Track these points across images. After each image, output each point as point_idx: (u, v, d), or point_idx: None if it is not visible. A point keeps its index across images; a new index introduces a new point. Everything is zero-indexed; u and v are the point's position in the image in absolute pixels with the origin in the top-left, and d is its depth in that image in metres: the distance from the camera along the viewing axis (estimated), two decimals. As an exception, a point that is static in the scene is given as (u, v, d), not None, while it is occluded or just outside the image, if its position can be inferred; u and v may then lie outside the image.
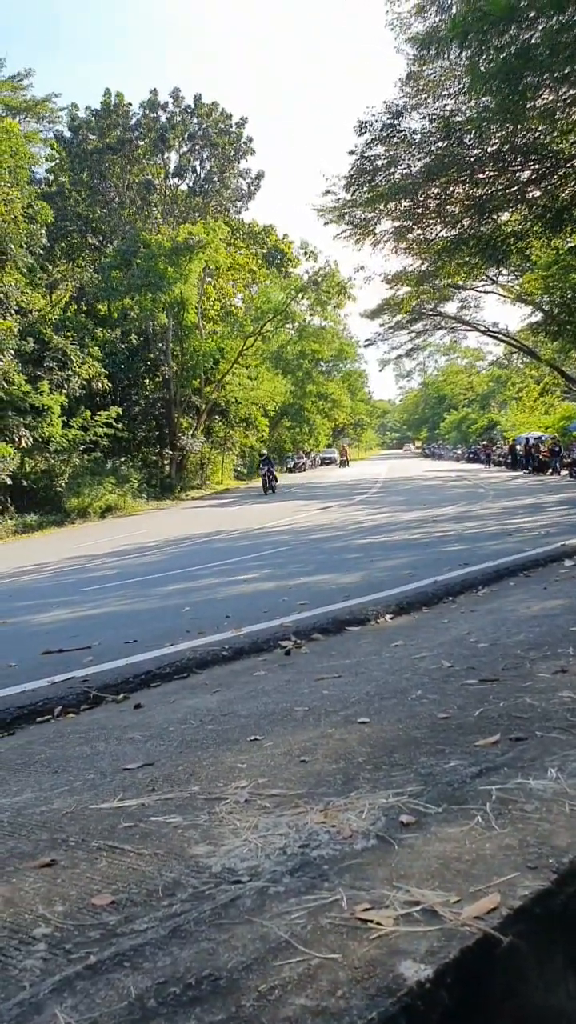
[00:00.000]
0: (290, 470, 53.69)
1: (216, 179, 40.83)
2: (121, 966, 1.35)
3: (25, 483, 25.23)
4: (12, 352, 23.72)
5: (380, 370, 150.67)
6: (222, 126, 40.03)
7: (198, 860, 1.73)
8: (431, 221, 27.56)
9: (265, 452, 35.50)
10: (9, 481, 23.55)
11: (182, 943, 1.40)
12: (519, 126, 20.37)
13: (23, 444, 23.88)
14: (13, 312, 24.48)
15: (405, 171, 26.12)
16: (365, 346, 61.59)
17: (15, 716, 3.33)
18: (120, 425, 28.54)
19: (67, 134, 37.42)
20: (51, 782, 2.43)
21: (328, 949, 1.35)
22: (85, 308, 33.08)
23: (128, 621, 6.04)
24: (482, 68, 17.92)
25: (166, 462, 35.49)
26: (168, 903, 1.55)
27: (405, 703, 2.92)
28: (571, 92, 18.53)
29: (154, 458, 35.73)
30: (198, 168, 40.45)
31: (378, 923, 1.41)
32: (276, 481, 30.07)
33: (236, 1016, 1.20)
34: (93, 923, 1.51)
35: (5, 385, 23.00)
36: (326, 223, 31.28)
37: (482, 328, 47.33)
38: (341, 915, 1.45)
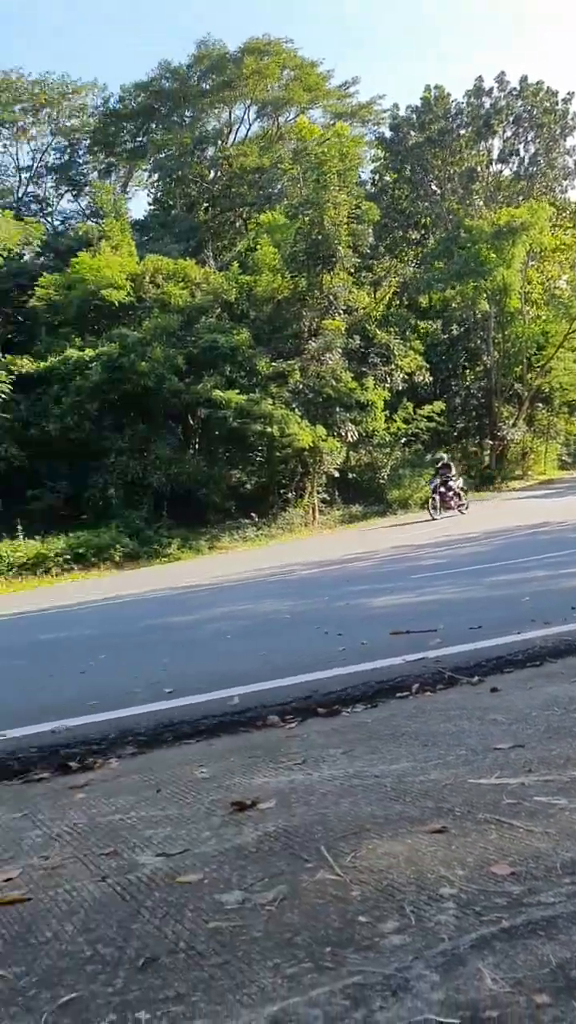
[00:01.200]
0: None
1: (541, 160, 39.06)
2: (535, 934, 1.36)
3: (350, 475, 26.34)
4: (340, 350, 24.86)
5: None
6: (547, 104, 38.20)
7: (595, 844, 1.69)
8: None
9: (443, 456, 23.16)
10: (337, 474, 24.80)
11: (596, 922, 1.38)
12: None
13: (349, 439, 24.96)
14: (341, 312, 25.62)
15: None
16: None
17: (376, 690, 3.51)
18: (441, 418, 28.64)
19: (388, 134, 38.15)
20: (423, 754, 2.52)
21: None
22: (407, 303, 33.61)
23: (462, 608, 6.05)
24: None
25: (486, 453, 34.92)
26: (570, 881, 1.54)
27: None
28: None
29: (473, 449, 35.36)
30: (522, 151, 39.02)
31: None
32: (459, 497, 20.57)
33: None
34: (497, 891, 1.53)
35: (334, 383, 24.18)
36: None
37: None
38: None
